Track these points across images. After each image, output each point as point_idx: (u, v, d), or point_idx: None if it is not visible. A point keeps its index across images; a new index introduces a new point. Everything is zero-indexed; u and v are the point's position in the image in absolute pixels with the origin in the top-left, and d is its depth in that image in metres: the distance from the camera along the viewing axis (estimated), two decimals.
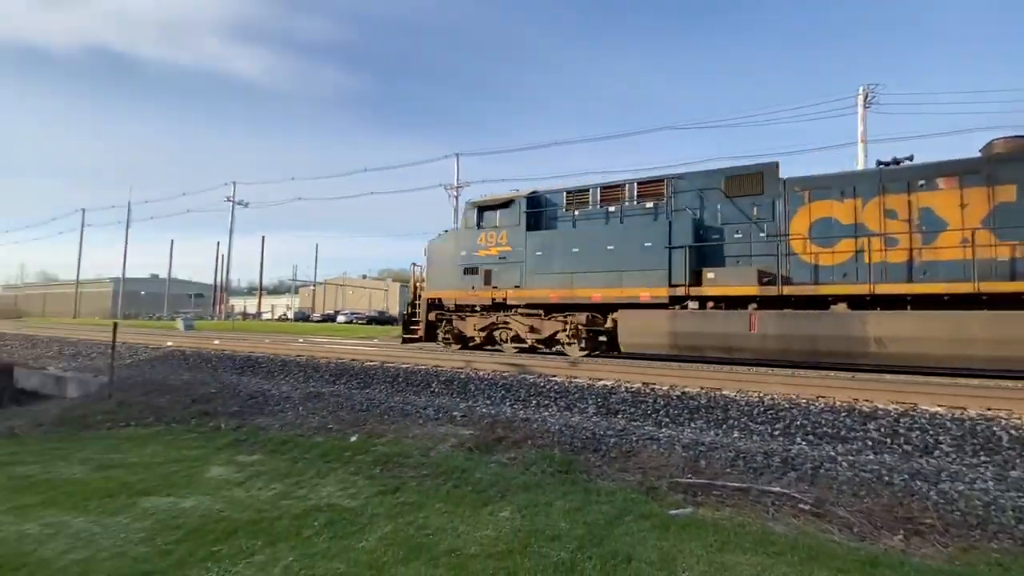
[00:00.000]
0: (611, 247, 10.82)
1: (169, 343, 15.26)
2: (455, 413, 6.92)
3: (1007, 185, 7.96)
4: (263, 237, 52.13)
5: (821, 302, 8.95)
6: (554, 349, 11.84)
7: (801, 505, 4.02)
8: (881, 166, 9.27)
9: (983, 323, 7.50)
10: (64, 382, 11.50)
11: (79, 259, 59.07)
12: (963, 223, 8.20)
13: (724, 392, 7.08)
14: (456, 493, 4.23)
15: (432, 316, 13.37)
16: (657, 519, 3.69)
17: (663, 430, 5.96)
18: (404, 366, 9.90)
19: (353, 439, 6.00)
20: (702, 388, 7.28)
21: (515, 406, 7.25)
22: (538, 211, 12.28)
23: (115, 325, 10.77)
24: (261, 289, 58.53)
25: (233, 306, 59.41)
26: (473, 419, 6.57)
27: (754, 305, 9.38)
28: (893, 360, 8.20)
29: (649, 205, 11.07)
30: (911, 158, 9.23)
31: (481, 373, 8.87)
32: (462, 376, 8.72)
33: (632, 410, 6.66)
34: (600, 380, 7.91)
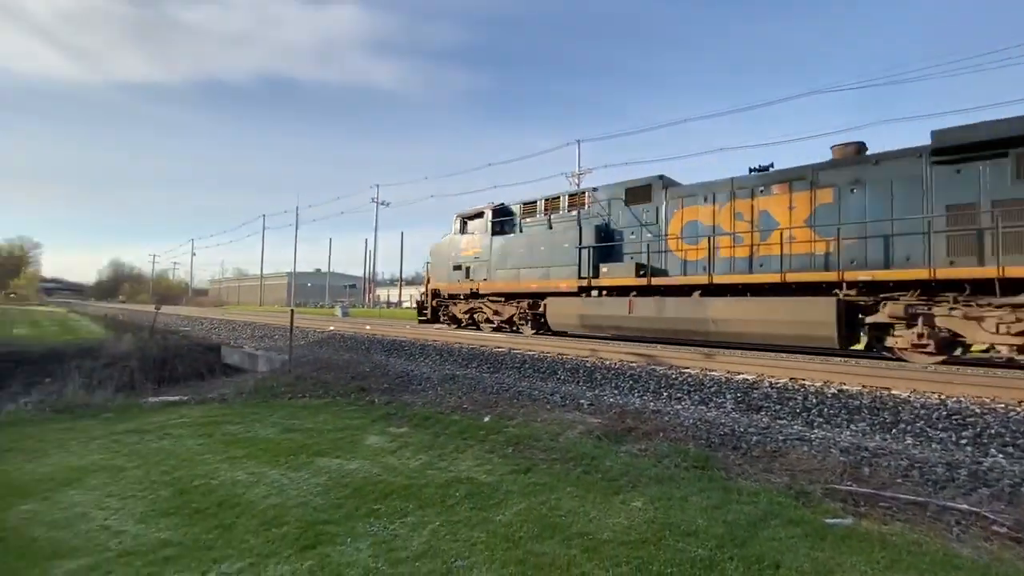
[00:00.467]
0: (543, 248, 13.60)
1: (331, 327, 17.53)
2: (582, 401, 6.96)
3: (826, 188, 9.45)
4: (402, 233, 56.98)
5: (685, 290, 10.75)
6: (513, 328, 14.83)
7: (996, 527, 3.35)
8: (750, 172, 10.74)
9: (785, 307, 9.07)
10: (256, 359, 13.87)
11: (262, 257, 70.86)
12: (790, 223, 9.78)
13: (894, 392, 6.13)
14: (586, 479, 4.28)
15: (435, 303, 17.00)
16: (809, 526, 3.36)
17: (815, 431, 5.36)
18: (530, 353, 10.18)
19: (486, 419, 6.36)
20: (864, 386, 6.39)
21: (644, 397, 7.07)
22: (501, 220, 15.36)
23: (292, 312, 12.66)
24: (401, 280, 64.38)
25: (379, 295, 66.15)
26: (600, 408, 6.54)
27: (634, 293, 11.49)
28: (723, 338, 10.21)
29: (572, 213, 13.55)
30: (771, 166, 10.56)
31: (607, 362, 8.78)
32: (588, 365, 8.72)
33: (778, 407, 6.09)
34: (739, 374, 7.35)
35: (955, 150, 8.00)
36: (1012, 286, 7.17)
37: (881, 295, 8.46)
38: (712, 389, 6.81)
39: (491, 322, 15.25)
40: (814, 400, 6.07)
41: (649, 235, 11.98)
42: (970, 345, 8.03)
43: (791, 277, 9.26)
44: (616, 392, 7.46)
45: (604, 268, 12.13)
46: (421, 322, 17.39)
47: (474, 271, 15.65)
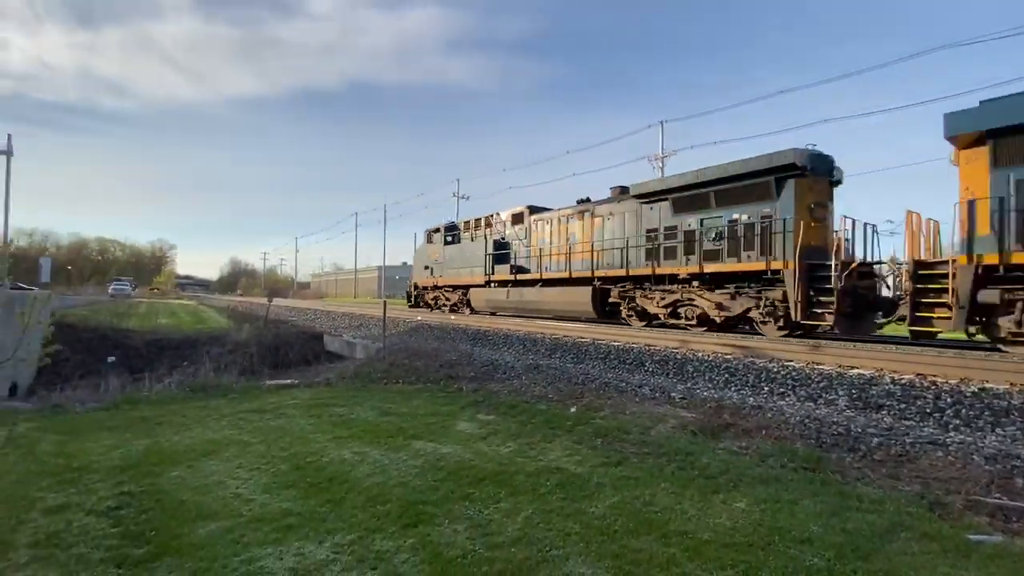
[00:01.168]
0: (469, 254, 19.45)
1: (419, 317, 18.37)
2: (673, 394, 6.69)
3: (598, 217, 14.61)
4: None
5: (533, 283, 16.39)
6: (458, 310, 20.30)
7: None
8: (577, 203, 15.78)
9: (572, 292, 14.75)
10: (354, 346, 14.91)
11: (355, 252, 75.82)
12: (581, 239, 14.96)
13: None
14: (682, 476, 4.10)
15: (415, 293, 23.83)
16: (949, 542, 2.96)
17: (952, 434, 4.72)
18: (616, 344, 9.96)
19: (572, 410, 6.33)
20: (1012, 384, 5.52)
21: (742, 391, 6.64)
22: (451, 233, 21.38)
23: (385, 303, 13.42)
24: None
25: None
26: (694, 402, 6.25)
27: (510, 286, 17.27)
28: (548, 313, 15.93)
29: (487, 230, 19.38)
30: (588, 199, 15.70)
31: (699, 354, 8.36)
32: (678, 356, 8.36)
33: (903, 406, 5.44)
34: (853, 368, 6.66)
35: (646, 196, 13.05)
36: (664, 279, 12.47)
37: (616, 285, 13.74)
38: (821, 384, 6.23)
39: (446, 305, 21.32)
40: (948, 399, 5.34)
41: (522, 246, 17.55)
42: (655, 314, 12.97)
43: (575, 274, 14.91)
44: (710, 385, 7.08)
45: (497, 268, 18.02)
46: (410, 307, 24.01)
47: (435, 270, 21.74)
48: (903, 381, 5.94)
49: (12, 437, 5.63)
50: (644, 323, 13.22)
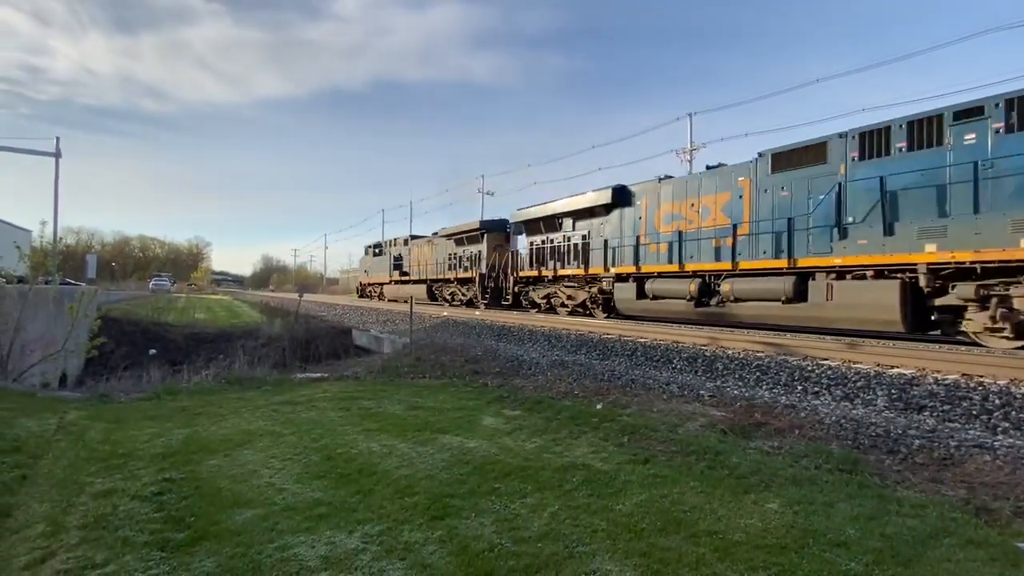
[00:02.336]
0: (383, 263, 30.50)
1: (444, 313, 18.54)
2: (702, 392, 6.57)
3: (482, 244, 20.60)
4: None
5: (411, 282, 27.50)
6: (380, 299, 29.89)
7: None
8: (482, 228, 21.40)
9: (418, 287, 25.70)
10: (381, 341, 15.16)
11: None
12: (427, 258, 25.33)
13: None
14: (711, 475, 4.03)
15: (360, 288, 35.72)
16: (996, 550, 2.83)
17: (1000, 437, 4.50)
18: (642, 340, 9.84)
19: (598, 407, 6.28)
20: None
21: (775, 390, 6.47)
22: (376, 249, 32.43)
23: (412, 299, 13.55)
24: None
25: None
26: (724, 400, 6.13)
27: (399, 283, 28.49)
28: (411, 297, 19.23)
29: (391, 248, 30.06)
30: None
31: (729, 352, 8.18)
32: (707, 353, 8.20)
33: (946, 407, 5.21)
34: (893, 367, 6.40)
35: (452, 235, 22.57)
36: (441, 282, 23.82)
37: (440, 284, 24.24)
38: (858, 384, 6.02)
39: (371, 296, 32.85)
40: (997, 401, 5.08)
41: (406, 260, 27.64)
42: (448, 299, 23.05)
43: (421, 277, 25.66)
44: (741, 384, 6.92)
45: (394, 273, 28.20)
46: (359, 297, 35.38)
47: (369, 273, 33.57)
48: (947, 381, 5.68)
49: (63, 425, 5.94)
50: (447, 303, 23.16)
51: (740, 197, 10.75)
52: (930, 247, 7.71)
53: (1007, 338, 7.17)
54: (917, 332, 8.46)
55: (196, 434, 5.58)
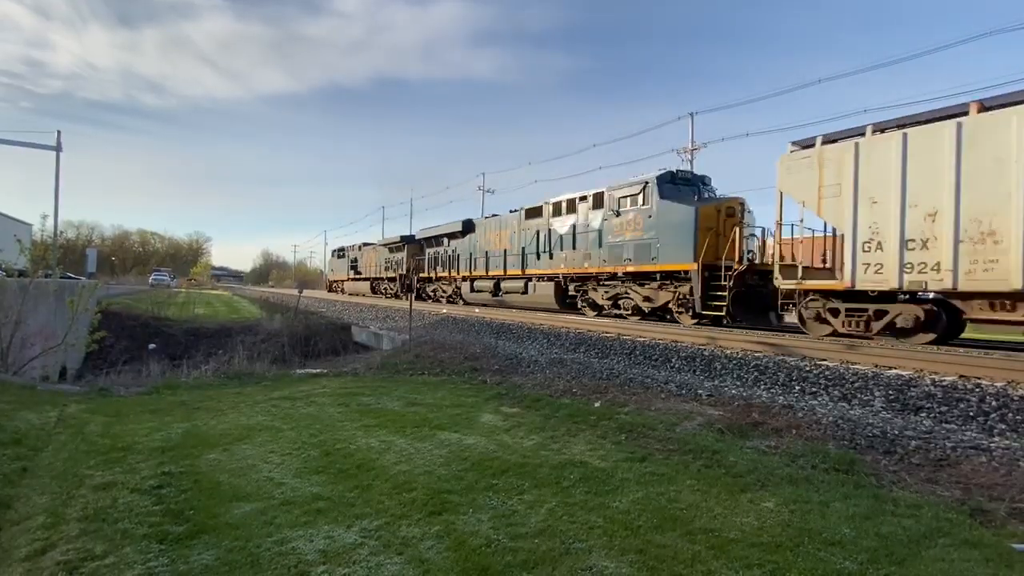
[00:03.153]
0: (344, 263, 37.75)
1: (443, 310, 18.54)
2: (699, 391, 6.59)
3: (403, 252, 26.67)
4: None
5: (362, 279, 34.22)
6: (343, 293, 36.55)
7: None
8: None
9: (365, 284, 32.97)
10: (381, 338, 15.17)
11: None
12: (373, 261, 31.68)
13: None
14: (708, 473, 4.05)
15: (328, 284, 43.87)
16: (991, 550, 2.85)
17: (997, 439, 4.52)
18: (641, 339, 9.86)
19: (596, 405, 6.31)
20: None
21: (772, 390, 6.49)
22: (340, 252, 39.79)
23: (411, 297, 13.57)
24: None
25: None
26: (722, 399, 6.14)
27: (354, 280, 35.28)
28: (365, 292, 32.30)
29: (350, 252, 37.24)
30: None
31: (728, 351, 8.19)
32: (705, 353, 8.22)
33: (943, 409, 5.23)
34: (891, 368, 6.42)
35: (424, 240, 24.74)
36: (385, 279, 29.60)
37: (378, 280, 30.56)
38: (856, 384, 6.04)
39: (335, 291, 39.28)
40: (994, 403, 5.10)
41: (360, 262, 33.90)
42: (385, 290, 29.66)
43: (369, 275, 32.36)
44: (739, 383, 6.94)
45: (352, 273, 34.92)
46: (328, 291, 41.29)
47: (335, 272, 40.49)
48: (944, 383, 5.70)
49: (63, 417, 5.96)
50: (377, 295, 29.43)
51: (513, 233, 17.96)
52: (562, 266, 15.08)
53: (592, 311, 14.49)
54: (563, 308, 15.43)
55: (195, 428, 5.60)
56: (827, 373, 6.51)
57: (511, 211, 18.37)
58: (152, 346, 16.30)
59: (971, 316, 7.75)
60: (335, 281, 40.47)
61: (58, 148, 14.71)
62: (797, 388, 6.37)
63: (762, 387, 6.65)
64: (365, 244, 35.21)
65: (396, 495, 3.71)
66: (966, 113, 7.39)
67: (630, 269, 12.60)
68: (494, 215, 20.18)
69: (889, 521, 3.16)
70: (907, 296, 8.30)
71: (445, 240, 22.65)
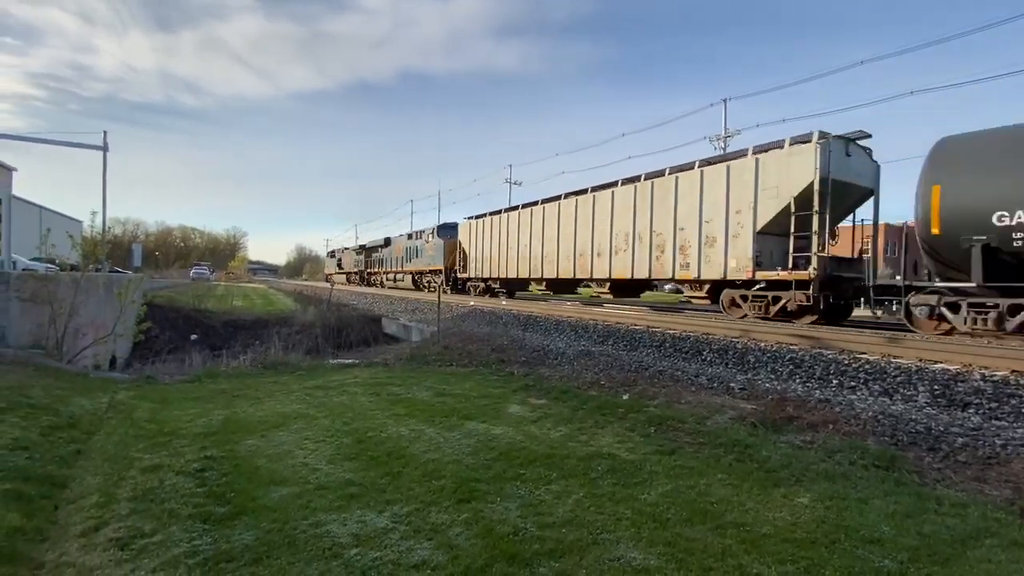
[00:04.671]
0: (333, 263, 53.45)
1: (471, 302, 18.67)
2: (732, 384, 6.46)
3: (362, 255, 41.39)
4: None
5: (343, 274, 48.38)
6: (336, 284, 41.79)
7: None
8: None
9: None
10: (410, 330, 15.41)
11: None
12: (349, 261, 46.40)
13: None
14: (740, 468, 3.98)
15: (326, 277, 54.99)
16: None
17: None
18: (671, 332, 9.71)
19: (624, 397, 6.26)
20: None
21: (808, 384, 6.30)
22: (331, 253, 57.44)
23: (440, 289, 13.69)
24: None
25: None
26: (755, 393, 6.01)
27: (338, 274, 49.57)
28: (343, 283, 44.72)
29: (339, 253, 53.03)
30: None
31: (762, 344, 7.99)
32: (738, 346, 8.04)
33: (993, 405, 4.97)
34: (937, 363, 6.14)
35: (377, 246, 37.79)
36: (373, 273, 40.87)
37: (355, 273, 43.45)
38: (898, 379, 5.80)
39: (329, 283, 43.56)
40: None
41: (344, 260, 47.96)
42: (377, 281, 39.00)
43: (347, 271, 46.91)
44: (773, 377, 6.77)
45: (338, 269, 49.33)
46: (326, 282, 48.72)
47: (328, 268, 55.40)
48: (995, 378, 5.42)
49: (114, 403, 6.29)
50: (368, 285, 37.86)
51: (402, 248, 30.93)
52: (410, 267, 29.75)
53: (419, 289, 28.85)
54: (417, 288, 28.74)
55: (235, 415, 5.82)
56: (867, 367, 6.28)
57: (403, 234, 32.10)
58: (194, 337, 17.00)
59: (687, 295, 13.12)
60: (328, 274, 54.21)
61: (104, 148, 15.40)
62: (835, 382, 6.17)
63: (797, 381, 6.47)
64: (345, 248, 50.78)
65: (426, 482, 3.78)
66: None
67: (430, 268, 27.24)
68: (401, 235, 32.58)
69: (932, 520, 3.05)
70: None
71: (379, 249, 36.35)
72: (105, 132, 16.17)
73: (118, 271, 21.53)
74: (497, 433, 5.00)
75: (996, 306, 7.54)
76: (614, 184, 14.52)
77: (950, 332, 8.17)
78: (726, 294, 11.73)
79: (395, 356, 10.42)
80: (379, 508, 3.36)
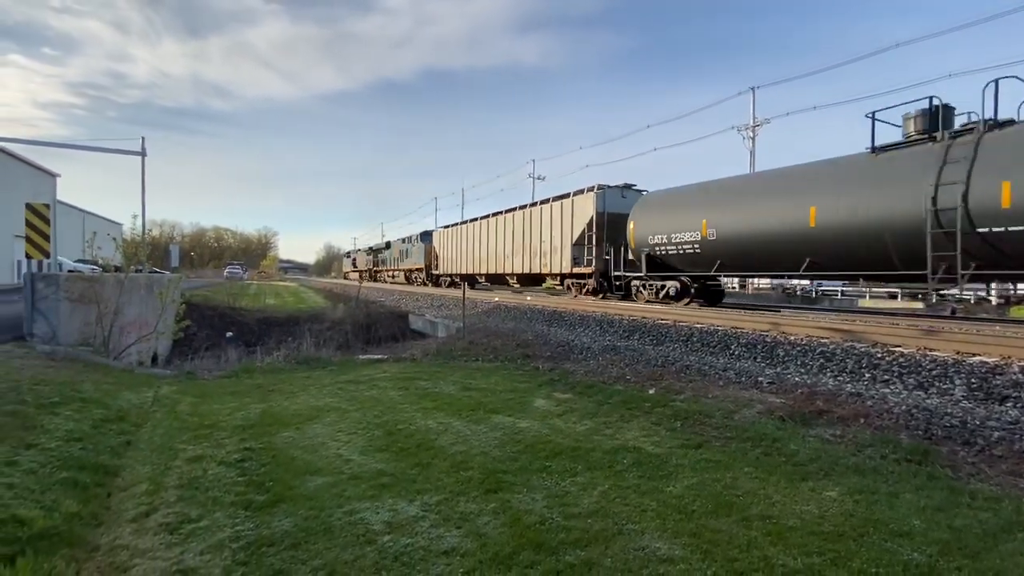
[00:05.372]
0: (346, 261, 66.31)
1: (495, 298, 18.80)
2: (760, 378, 6.38)
3: (370, 255, 48.91)
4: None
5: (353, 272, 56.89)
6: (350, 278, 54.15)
7: None
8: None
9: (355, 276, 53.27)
10: (436, 325, 15.63)
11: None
12: (372, 261, 48.45)
13: None
14: (767, 461, 3.96)
15: (344, 275, 63.39)
16: None
17: None
18: (698, 326, 9.61)
19: (651, 392, 6.26)
20: None
21: (839, 378, 6.18)
22: (347, 253, 72.71)
23: (464, 286, 13.85)
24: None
25: None
26: (784, 387, 5.93)
27: (352, 270, 58.71)
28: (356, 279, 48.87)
29: (354, 253, 62.73)
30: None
31: (791, 338, 7.85)
32: (767, 340, 7.92)
33: None
34: (975, 355, 5.95)
35: (380, 248, 47.19)
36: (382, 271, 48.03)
37: (366, 271, 49.95)
38: (934, 372, 5.64)
39: (345, 278, 56.45)
40: None
41: (357, 259, 55.89)
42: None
43: (359, 270, 52.16)
44: (803, 371, 6.65)
45: (352, 267, 58.20)
46: (344, 278, 58.46)
47: (343, 266, 68.28)
48: None
49: (158, 398, 6.62)
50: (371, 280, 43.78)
51: (397, 249, 38.67)
52: (403, 265, 36.89)
53: (410, 282, 35.97)
54: (409, 283, 35.63)
55: (271, 409, 6.06)
56: (901, 360, 6.12)
57: (399, 239, 39.13)
58: (229, 334, 17.61)
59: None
60: (346, 272, 61.88)
61: (143, 153, 16.07)
62: (867, 376, 6.03)
63: (828, 374, 6.35)
64: (359, 249, 59.91)
65: (454, 473, 3.89)
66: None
67: (415, 267, 33.32)
68: (398, 239, 39.72)
69: (964, 514, 2.99)
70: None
71: (383, 250, 43.57)
72: (143, 138, 16.86)
73: (156, 271, 22.44)
74: (523, 426, 5.09)
75: (654, 286, 14.07)
76: (515, 209, 21.49)
77: (649, 301, 14.09)
78: (564, 281, 18.37)
79: (422, 351, 10.61)
80: (410, 497, 3.49)
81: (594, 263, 15.93)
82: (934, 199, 7.87)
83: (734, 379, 6.54)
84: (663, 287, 13.95)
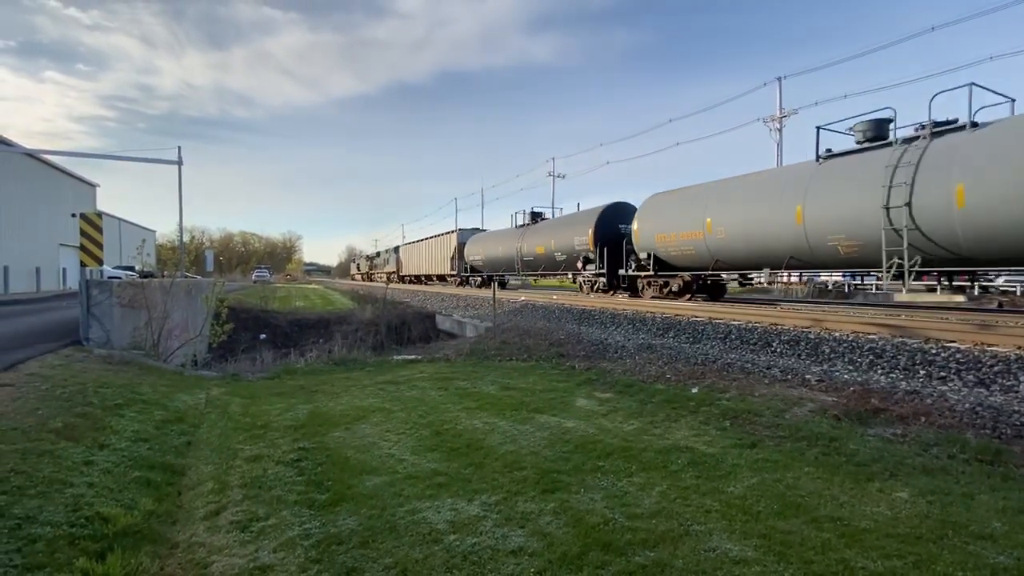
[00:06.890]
0: (363, 264, 66.90)
1: (523, 297, 18.81)
2: (807, 376, 6.24)
3: (369, 261, 61.53)
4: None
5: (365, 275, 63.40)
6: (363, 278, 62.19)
7: None
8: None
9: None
10: (464, 325, 15.72)
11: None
12: (372, 265, 58.56)
13: None
14: (827, 461, 3.88)
15: (351, 276, 73.75)
16: None
17: None
18: (736, 323, 9.45)
19: (694, 391, 6.18)
20: None
21: (892, 375, 6.00)
22: (364, 257, 68.68)
23: (494, 284, 13.88)
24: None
25: None
26: (834, 385, 5.79)
27: (368, 271, 64.07)
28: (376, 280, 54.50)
29: (373, 256, 60.21)
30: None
31: (836, 334, 7.66)
32: (811, 336, 7.74)
33: None
34: None
35: (380, 254, 57.84)
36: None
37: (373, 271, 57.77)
38: (995, 368, 5.43)
39: (353, 279, 68.16)
40: None
41: (376, 261, 55.54)
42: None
43: (376, 272, 55.61)
44: (851, 368, 6.48)
45: (368, 267, 60.78)
46: (351, 279, 69.63)
47: (350, 270, 79.09)
48: None
49: (210, 399, 6.83)
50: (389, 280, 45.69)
51: (386, 255, 50.35)
52: (385, 269, 49.04)
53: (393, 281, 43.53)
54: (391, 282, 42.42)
55: (317, 409, 6.19)
56: (957, 356, 5.91)
57: (386, 248, 49.97)
58: (263, 336, 18.05)
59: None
60: (352, 275, 70.33)
61: (179, 162, 16.63)
62: (922, 373, 5.84)
63: (879, 371, 6.17)
64: (363, 255, 68.57)
65: (508, 473, 3.91)
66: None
67: (391, 270, 44.86)
68: (386, 248, 50.28)
69: None
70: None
71: (376, 257, 53.16)
72: (179, 148, 17.43)
73: (188, 276, 23.11)
74: (569, 426, 5.08)
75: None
76: (428, 238, 36.21)
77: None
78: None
79: (455, 351, 10.68)
80: (468, 497, 3.52)
81: (456, 267, 26.44)
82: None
83: (779, 377, 6.41)
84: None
